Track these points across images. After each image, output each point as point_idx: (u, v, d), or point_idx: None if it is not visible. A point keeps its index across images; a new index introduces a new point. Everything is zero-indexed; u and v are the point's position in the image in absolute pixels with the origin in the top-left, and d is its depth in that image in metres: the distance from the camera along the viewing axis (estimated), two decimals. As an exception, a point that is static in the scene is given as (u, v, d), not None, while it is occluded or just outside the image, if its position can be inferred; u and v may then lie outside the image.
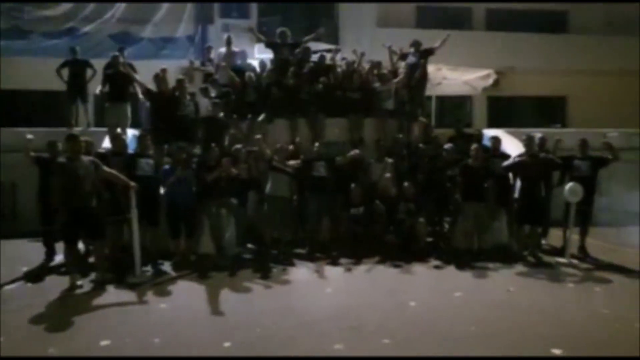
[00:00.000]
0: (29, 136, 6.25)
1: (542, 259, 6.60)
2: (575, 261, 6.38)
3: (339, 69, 9.03)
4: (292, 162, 7.00)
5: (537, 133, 7.47)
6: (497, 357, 3.15)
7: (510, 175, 7.09)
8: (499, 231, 7.10)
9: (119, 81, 8.35)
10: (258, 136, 7.15)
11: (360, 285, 5.63)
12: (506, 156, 7.24)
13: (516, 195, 6.94)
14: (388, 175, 7.26)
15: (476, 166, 6.81)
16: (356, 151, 7.37)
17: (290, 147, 7.51)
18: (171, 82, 8.09)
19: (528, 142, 6.81)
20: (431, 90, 10.90)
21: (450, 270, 6.16)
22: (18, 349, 3.88)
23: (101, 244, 5.80)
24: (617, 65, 13.25)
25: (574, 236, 6.66)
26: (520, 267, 6.25)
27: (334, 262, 6.45)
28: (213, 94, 8.43)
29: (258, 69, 9.21)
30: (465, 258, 6.47)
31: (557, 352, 3.73)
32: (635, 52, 12.90)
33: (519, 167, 6.75)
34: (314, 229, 7.13)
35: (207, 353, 3.75)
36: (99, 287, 5.43)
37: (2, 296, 5.24)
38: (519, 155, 6.89)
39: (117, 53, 8.58)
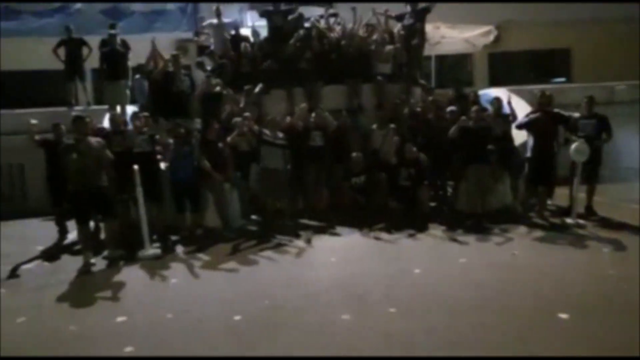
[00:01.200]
0: (33, 121, 6.30)
1: (549, 219, 6.61)
2: (581, 221, 6.32)
3: (334, 34, 8.84)
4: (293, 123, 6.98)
5: (538, 90, 7.39)
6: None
7: (517, 134, 7.03)
8: (502, 193, 7.11)
9: (115, 59, 8.29)
10: (246, 114, 7.13)
11: (365, 253, 5.71)
12: (508, 116, 7.18)
13: (528, 154, 6.85)
14: (396, 138, 7.18)
15: (477, 128, 6.76)
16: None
17: (288, 118, 7.47)
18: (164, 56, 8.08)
19: (542, 98, 6.67)
20: (430, 50, 10.70)
21: (454, 234, 6.17)
22: (41, 327, 4.05)
23: (111, 222, 5.92)
24: (623, 12, 12.81)
25: (581, 195, 6.62)
26: (524, 229, 6.24)
27: (338, 232, 6.52)
28: (209, 67, 8.34)
29: (251, 39, 9.05)
30: (469, 222, 6.52)
31: (563, 316, 3.74)
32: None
33: (533, 123, 6.63)
34: (313, 198, 7.19)
35: (218, 327, 3.88)
36: (111, 264, 5.60)
37: (21, 275, 5.43)
38: (532, 112, 6.78)
39: (113, 31, 8.47)
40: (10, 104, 10.09)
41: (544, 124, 6.54)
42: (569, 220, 6.38)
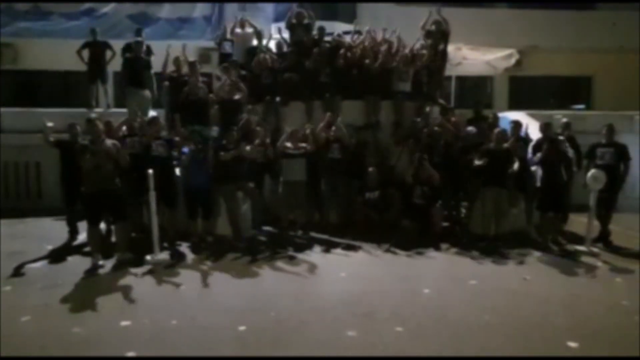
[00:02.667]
0: (49, 124, 6.36)
1: (565, 245, 6.49)
2: (595, 249, 6.25)
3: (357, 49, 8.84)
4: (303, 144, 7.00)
5: (559, 116, 7.33)
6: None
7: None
8: (516, 217, 7.01)
9: (139, 67, 8.39)
10: (258, 128, 7.15)
11: (375, 270, 5.64)
12: (527, 140, 7.11)
13: (538, 183, 6.82)
14: (417, 154, 7.11)
15: (496, 150, 6.70)
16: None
17: (307, 130, 7.46)
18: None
19: (544, 127, 6.75)
20: (451, 71, 10.69)
21: (466, 256, 6.11)
22: (45, 327, 4.05)
23: (123, 225, 5.95)
24: (647, 43, 12.72)
25: (595, 223, 6.51)
26: (537, 255, 6.16)
27: (349, 247, 6.46)
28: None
29: (274, 49, 9.12)
30: (481, 244, 6.44)
31: (573, 345, 3.68)
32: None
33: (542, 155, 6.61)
34: (328, 211, 7.16)
35: (222, 337, 3.84)
36: (119, 268, 5.58)
37: (28, 274, 5.44)
38: (538, 141, 6.76)
39: (139, 39, 8.57)
40: (33, 104, 10.31)
41: (550, 152, 6.52)
42: (582, 248, 6.29)
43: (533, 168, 7.00)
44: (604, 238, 6.68)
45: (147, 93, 8.61)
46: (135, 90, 8.51)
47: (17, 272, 5.48)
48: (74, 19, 11.34)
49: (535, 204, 6.81)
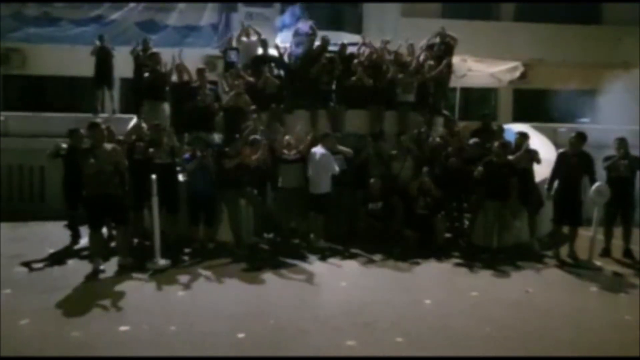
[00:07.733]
0: (64, 145, 6.53)
1: (567, 259, 6.40)
2: (598, 263, 6.19)
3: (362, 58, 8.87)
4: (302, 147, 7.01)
5: (563, 129, 7.31)
6: (498, 357, 3.14)
7: (538, 171, 6.94)
8: (520, 230, 6.98)
9: (157, 81, 8.17)
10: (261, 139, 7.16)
11: (376, 280, 5.62)
12: (532, 152, 7.07)
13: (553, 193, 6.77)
14: (425, 172, 7.10)
15: (499, 163, 6.68)
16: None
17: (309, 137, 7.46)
18: (192, 70, 8.11)
19: (576, 139, 6.58)
20: (455, 82, 10.71)
21: (468, 267, 6.07)
22: (44, 330, 4.05)
23: (123, 229, 5.95)
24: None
25: (599, 237, 6.43)
26: (540, 267, 6.12)
27: (351, 256, 6.44)
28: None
29: (286, 59, 9.12)
30: (484, 256, 6.40)
31: (573, 357, 3.67)
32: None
33: (562, 164, 6.57)
34: (330, 220, 7.15)
35: (221, 343, 3.83)
36: (120, 272, 5.58)
37: (28, 277, 5.45)
38: (563, 153, 6.72)
39: (155, 50, 8.53)
40: (41, 107, 10.40)
41: (574, 164, 6.46)
42: (587, 261, 6.20)
43: (543, 176, 6.94)
44: (628, 254, 6.58)
45: (164, 107, 8.28)
46: (153, 103, 8.19)
47: (29, 267, 5.63)
48: (83, 26, 11.49)
49: (551, 216, 6.73)
